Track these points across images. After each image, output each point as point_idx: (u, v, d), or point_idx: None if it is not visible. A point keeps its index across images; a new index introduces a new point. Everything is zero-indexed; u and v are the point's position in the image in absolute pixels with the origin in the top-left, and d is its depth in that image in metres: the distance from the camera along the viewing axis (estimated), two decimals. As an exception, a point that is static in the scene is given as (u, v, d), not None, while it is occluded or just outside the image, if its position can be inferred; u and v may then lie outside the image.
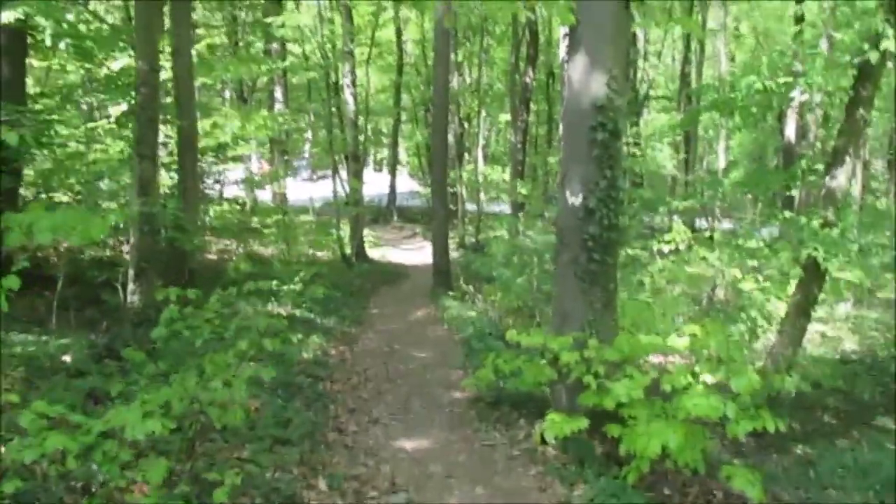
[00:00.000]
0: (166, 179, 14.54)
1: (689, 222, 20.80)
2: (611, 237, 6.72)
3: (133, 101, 11.35)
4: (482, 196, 28.48)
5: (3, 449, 4.07)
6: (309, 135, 30.66)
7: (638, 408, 5.79)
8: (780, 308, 10.60)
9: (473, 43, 28.57)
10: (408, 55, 33.43)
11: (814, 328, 11.89)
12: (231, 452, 5.70)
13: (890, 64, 9.68)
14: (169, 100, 13.55)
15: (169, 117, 12.80)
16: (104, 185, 12.28)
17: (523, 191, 23.26)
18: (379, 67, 32.51)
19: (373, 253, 23.90)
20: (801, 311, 9.93)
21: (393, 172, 35.24)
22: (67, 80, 14.47)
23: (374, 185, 33.52)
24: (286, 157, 26.12)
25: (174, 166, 13.44)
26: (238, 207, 19.12)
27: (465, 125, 31.57)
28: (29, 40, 11.14)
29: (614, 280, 6.98)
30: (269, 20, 19.53)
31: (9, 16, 7.99)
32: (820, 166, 10.83)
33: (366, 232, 24.35)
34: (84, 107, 15.86)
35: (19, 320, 8.46)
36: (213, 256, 16.53)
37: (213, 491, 4.18)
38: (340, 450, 6.54)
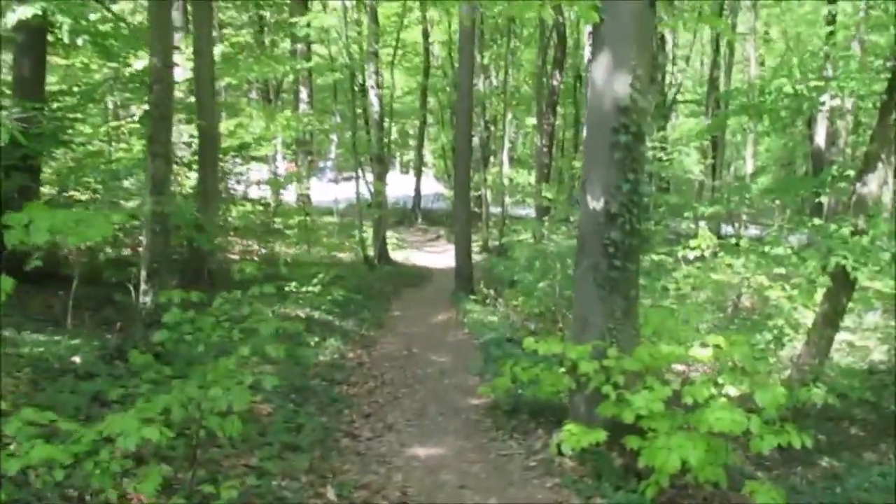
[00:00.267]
0: (189, 179, 14.55)
1: (715, 228, 20.53)
2: (633, 243, 6.52)
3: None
4: (507, 199, 28.28)
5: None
6: (334, 136, 30.62)
7: (658, 420, 5.60)
8: (807, 316, 10.36)
9: (500, 45, 28.37)
10: (434, 57, 33.32)
11: (841, 337, 11.61)
12: (238, 459, 5.57)
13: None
14: (192, 99, 13.54)
15: (191, 117, 12.78)
16: (128, 183, 12.28)
17: (548, 195, 23.03)
18: (405, 69, 32.45)
19: (396, 255, 23.79)
20: (829, 320, 9.71)
21: (418, 175, 35.11)
22: (92, 78, 14.50)
23: (400, 187, 33.46)
24: (311, 158, 26.12)
25: (194, 166, 13.41)
26: (261, 208, 19.06)
27: (492, 128, 31.42)
28: (49, 38, 11.14)
29: (636, 287, 6.79)
30: (294, 20, 19.51)
31: (26, 11, 7.93)
32: (851, 172, 10.58)
33: (389, 234, 24.25)
34: (109, 106, 15.94)
35: (34, 319, 8.41)
36: (235, 257, 16.48)
37: (212, 502, 4.06)
38: (352, 457, 6.40)
